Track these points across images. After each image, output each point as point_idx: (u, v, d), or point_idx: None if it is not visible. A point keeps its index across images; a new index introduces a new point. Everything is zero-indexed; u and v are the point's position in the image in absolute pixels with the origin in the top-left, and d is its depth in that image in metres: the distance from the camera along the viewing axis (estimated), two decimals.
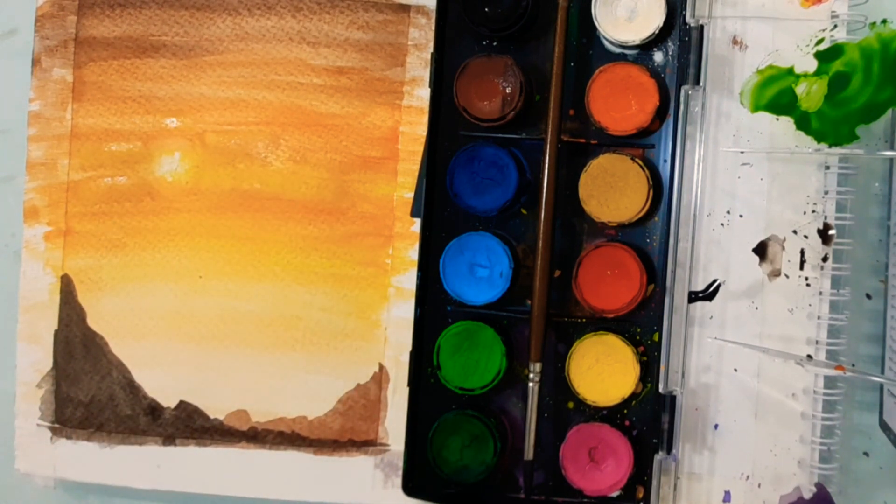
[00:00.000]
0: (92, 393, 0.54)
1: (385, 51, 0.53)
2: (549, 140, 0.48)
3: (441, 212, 0.50)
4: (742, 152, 0.49)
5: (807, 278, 0.48)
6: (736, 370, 0.49)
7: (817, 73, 0.45)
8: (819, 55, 0.45)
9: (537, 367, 0.48)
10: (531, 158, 0.50)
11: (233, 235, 0.53)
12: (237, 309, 0.53)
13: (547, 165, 0.47)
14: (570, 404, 0.50)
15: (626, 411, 0.49)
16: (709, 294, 0.49)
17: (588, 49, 0.50)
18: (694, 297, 0.49)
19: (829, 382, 0.48)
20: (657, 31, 0.48)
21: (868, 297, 0.50)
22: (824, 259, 0.48)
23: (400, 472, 0.50)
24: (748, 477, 0.49)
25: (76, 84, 0.54)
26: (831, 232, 0.48)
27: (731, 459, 0.49)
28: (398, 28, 0.53)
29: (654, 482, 0.48)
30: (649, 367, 0.49)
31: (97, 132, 0.54)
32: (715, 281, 0.49)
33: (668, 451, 0.48)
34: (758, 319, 0.49)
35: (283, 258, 0.53)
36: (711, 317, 0.49)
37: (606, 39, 0.49)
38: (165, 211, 0.54)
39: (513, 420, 0.51)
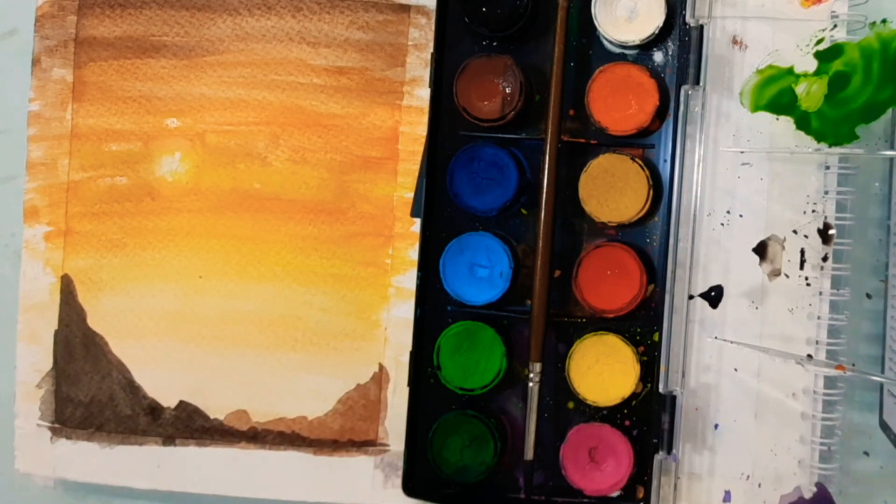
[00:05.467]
0: (92, 393, 0.54)
1: (385, 51, 0.53)
2: (549, 140, 0.48)
3: (441, 212, 0.50)
4: (742, 152, 0.49)
5: (807, 278, 0.48)
6: (736, 370, 0.49)
7: (817, 73, 0.45)
8: (819, 55, 0.45)
9: (537, 367, 0.48)
10: (531, 158, 0.50)
11: (233, 235, 0.53)
12: (237, 309, 0.53)
13: (547, 165, 0.47)
14: (570, 404, 0.50)
15: (626, 411, 0.49)
16: (713, 299, 0.49)
17: (588, 49, 0.50)
18: (711, 302, 0.49)
19: (829, 382, 0.48)
20: (657, 31, 0.48)
21: (868, 297, 0.50)
22: (824, 259, 0.48)
23: (400, 473, 0.50)
24: (748, 477, 0.49)
25: (76, 84, 0.54)
26: (831, 232, 0.48)
27: (731, 459, 0.49)
28: (398, 28, 0.53)
29: (654, 482, 0.48)
30: (649, 367, 0.49)
31: (97, 132, 0.54)
32: (718, 287, 0.49)
33: (668, 451, 0.48)
34: (758, 319, 0.49)
35: (283, 258, 0.53)
36: (711, 317, 0.49)
37: (606, 39, 0.49)
38: (165, 211, 0.54)
39: (513, 420, 0.51)
